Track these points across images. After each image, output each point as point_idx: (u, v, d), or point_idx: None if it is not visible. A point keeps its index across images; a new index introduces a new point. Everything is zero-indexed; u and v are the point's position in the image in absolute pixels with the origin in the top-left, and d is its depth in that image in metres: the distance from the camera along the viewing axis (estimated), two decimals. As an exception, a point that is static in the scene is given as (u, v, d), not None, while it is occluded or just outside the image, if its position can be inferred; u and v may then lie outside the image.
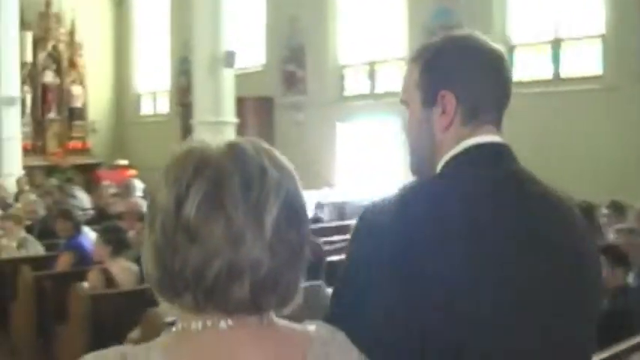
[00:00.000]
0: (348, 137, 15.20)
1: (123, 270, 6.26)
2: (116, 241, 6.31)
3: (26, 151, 19.27)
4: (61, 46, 21.22)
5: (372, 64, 15.24)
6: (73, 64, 21.43)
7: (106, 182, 13.90)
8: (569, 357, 1.58)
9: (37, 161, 19.93)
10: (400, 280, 1.45)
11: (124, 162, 20.40)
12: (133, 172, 18.07)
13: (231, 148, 1.24)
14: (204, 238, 1.17)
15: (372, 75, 15.25)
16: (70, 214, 7.69)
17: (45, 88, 21.05)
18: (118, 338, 5.32)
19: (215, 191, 1.18)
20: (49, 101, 21.05)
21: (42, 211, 10.39)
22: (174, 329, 1.24)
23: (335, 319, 1.42)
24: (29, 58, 20.36)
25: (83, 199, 12.99)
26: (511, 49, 12.55)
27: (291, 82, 16.07)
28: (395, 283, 1.45)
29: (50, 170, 19.60)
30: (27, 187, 14.24)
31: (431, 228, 1.47)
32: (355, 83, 15.57)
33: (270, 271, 1.19)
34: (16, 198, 12.74)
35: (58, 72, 21.32)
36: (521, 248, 1.51)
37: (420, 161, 1.73)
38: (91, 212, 11.30)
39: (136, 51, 22.73)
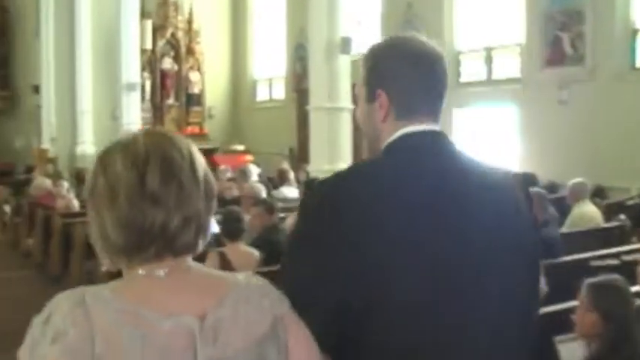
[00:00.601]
0: (464, 124, 15.12)
1: (241, 254, 6.46)
2: (233, 227, 6.52)
3: (145, 136, 20.02)
4: (180, 34, 21.90)
5: (488, 49, 15.12)
6: (190, 51, 22.08)
7: (222, 167, 14.28)
8: (496, 325, 1.82)
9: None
10: (332, 243, 1.75)
11: (240, 147, 20.86)
12: (249, 157, 18.47)
13: (156, 134, 1.67)
14: (166, 201, 1.57)
15: (488, 61, 15.12)
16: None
17: (164, 74, 21.78)
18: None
19: (166, 166, 1.58)
20: (167, 87, 21.77)
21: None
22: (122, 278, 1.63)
23: (283, 287, 1.72)
24: (149, 45, 21.14)
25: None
26: (634, 32, 12.28)
27: (407, 68, 16.11)
28: (328, 245, 1.76)
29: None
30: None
31: (361, 202, 1.77)
32: (471, 69, 15.46)
33: (204, 217, 1.64)
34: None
35: (177, 59, 22.02)
36: (440, 219, 1.80)
37: (370, 145, 2.05)
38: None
39: (252, 37, 23.14)
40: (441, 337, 1.77)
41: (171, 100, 21.86)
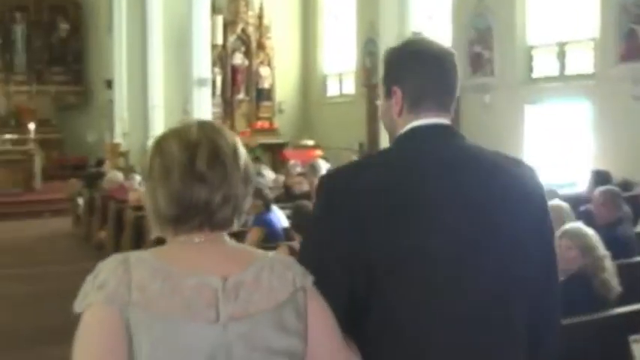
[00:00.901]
0: (536, 120, 15.01)
1: None
2: (303, 221, 6.63)
3: (216, 131, 20.36)
4: (250, 29, 22.16)
5: (561, 44, 14.97)
6: (261, 46, 22.34)
7: (292, 162, 14.43)
8: (497, 292, 2.06)
9: (226, 141, 20.98)
10: (341, 225, 2.03)
11: (310, 142, 21.03)
12: (318, 152, 18.63)
13: (207, 125, 1.96)
14: (211, 181, 1.86)
15: (561, 56, 14.97)
16: (260, 192, 8.14)
17: (234, 69, 22.08)
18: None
19: (213, 151, 1.88)
20: (238, 82, 22.06)
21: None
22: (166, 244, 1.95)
23: (301, 261, 2.00)
24: (219, 40, 21.45)
25: (270, 177, 13.62)
26: None
27: (478, 63, 16.06)
28: (341, 231, 2.03)
29: (238, 149, 20.53)
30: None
31: (368, 190, 2.03)
32: (544, 64, 15.33)
33: (241, 198, 1.93)
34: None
35: (247, 54, 22.30)
36: (448, 207, 2.03)
37: (390, 137, 2.30)
38: (277, 190, 11.83)
39: (322, 32, 23.28)
40: (448, 318, 2.01)
41: (241, 95, 22.16)
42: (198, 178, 1.85)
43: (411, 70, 2.18)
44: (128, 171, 15.35)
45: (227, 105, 21.82)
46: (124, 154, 19.97)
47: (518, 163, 2.22)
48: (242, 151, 1.96)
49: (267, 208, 8.03)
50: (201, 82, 18.71)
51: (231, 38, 21.96)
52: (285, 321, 1.85)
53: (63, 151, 24.70)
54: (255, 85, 22.29)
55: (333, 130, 21.11)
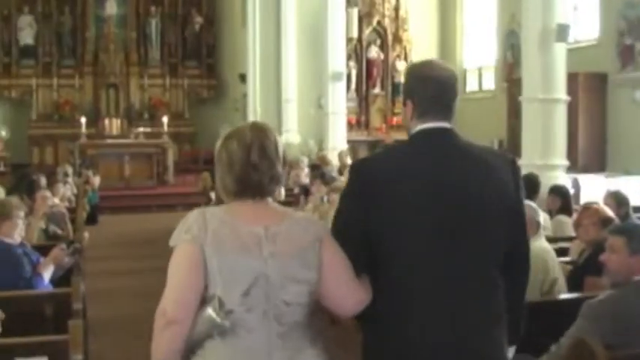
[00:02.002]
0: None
1: None
2: None
3: (350, 126, 20.59)
4: (386, 22, 22.29)
5: None
6: (397, 39, 22.42)
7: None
8: (476, 261, 2.90)
9: (360, 136, 21.22)
10: (361, 199, 2.90)
11: (447, 139, 20.87)
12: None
13: (257, 127, 2.89)
14: (261, 168, 2.80)
15: None
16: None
17: (369, 63, 22.27)
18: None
19: (261, 149, 2.81)
20: (373, 76, 22.23)
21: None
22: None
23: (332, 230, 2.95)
24: (355, 33, 21.67)
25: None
26: None
27: (628, 56, 15.60)
28: (358, 202, 2.91)
29: (374, 145, 20.73)
30: (349, 161, 15.15)
31: (382, 174, 2.92)
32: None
33: (281, 176, 2.89)
34: (340, 171, 13.65)
35: (383, 47, 22.44)
36: (440, 190, 2.86)
37: (407, 133, 3.14)
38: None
39: (461, 25, 23.15)
40: (437, 273, 2.84)
41: (377, 90, 22.30)
42: (253, 167, 2.81)
43: (418, 90, 3.03)
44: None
45: (362, 100, 22.02)
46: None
47: (497, 155, 3.20)
48: (280, 145, 2.91)
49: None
50: (336, 76, 18.91)
51: (367, 31, 22.15)
52: (306, 260, 2.80)
53: (195, 145, 25.52)
54: (391, 80, 22.40)
55: (472, 127, 20.88)
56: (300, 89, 21.43)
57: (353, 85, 21.87)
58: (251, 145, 2.81)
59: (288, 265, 2.76)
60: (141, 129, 22.97)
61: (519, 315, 3.15)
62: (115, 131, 24.27)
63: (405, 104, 3.09)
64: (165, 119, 22.11)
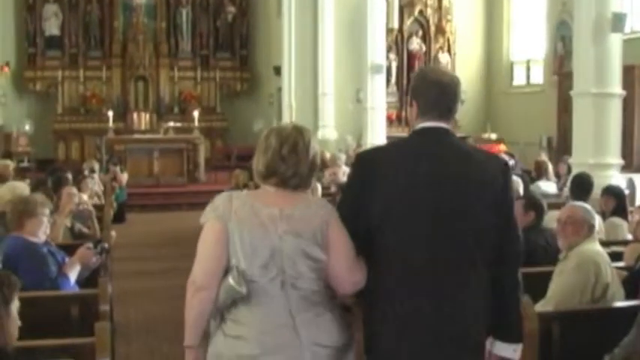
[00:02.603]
0: None
1: None
2: None
3: (390, 122, 20.54)
4: (428, 12, 22.25)
5: None
6: (440, 30, 22.36)
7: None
8: (458, 244, 3.41)
9: (400, 132, 21.11)
10: (362, 186, 3.46)
11: (493, 136, 20.85)
12: (502, 147, 18.45)
13: (296, 128, 3.49)
14: (288, 161, 3.39)
15: None
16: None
17: (411, 55, 22.24)
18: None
19: (293, 145, 3.41)
20: (414, 70, 22.08)
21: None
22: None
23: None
24: (395, 24, 21.62)
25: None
26: None
27: (689, 49, 15.40)
28: (358, 188, 3.49)
29: (414, 143, 20.61)
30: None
31: (382, 164, 3.50)
32: None
33: (306, 176, 3.46)
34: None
35: (425, 38, 22.40)
36: (431, 180, 3.39)
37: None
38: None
39: (508, 14, 23.00)
40: (427, 256, 3.38)
41: (418, 84, 22.19)
42: (281, 158, 3.43)
43: (422, 93, 3.58)
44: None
45: (402, 94, 21.95)
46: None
47: (489, 156, 3.71)
48: (313, 147, 3.49)
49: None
50: (375, 69, 18.86)
51: (408, 21, 22.12)
52: (316, 239, 3.39)
53: (227, 141, 25.59)
54: (433, 73, 22.24)
55: (519, 123, 20.86)
56: (338, 83, 21.41)
57: (393, 79, 21.84)
58: (286, 140, 3.43)
59: (299, 242, 3.37)
60: (171, 124, 23.02)
61: (517, 312, 3.66)
62: (143, 126, 24.42)
63: (411, 105, 3.68)
64: (196, 113, 22.16)
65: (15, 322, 3.97)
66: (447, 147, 3.53)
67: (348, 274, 3.44)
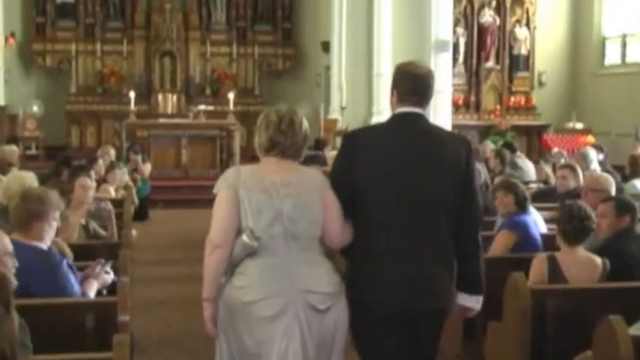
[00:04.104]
0: None
1: (579, 262, 6.47)
2: (574, 226, 6.48)
3: (457, 107, 20.47)
4: (505, -22, 22.09)
5: None
6: (517, 0, 22.17)
7: (555, 150, 14.27)
8: (424, 208, 4.75)
9: (469, 119, 21.13)
10: (347, 159, 4.85)
11: (579, 125, 20.68)
12: (589, 138, 18.31)
13: (289, 110, 4.84)
14: (287, 134, 4.73)
15: None
16: (514, 186, 8.06)
17: (482, 30, 22.17)
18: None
19: (290, 121, 4.75)
20: (486, 47, 22.16)
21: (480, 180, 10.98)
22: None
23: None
24: (464, -6, 21.52)
25: (528, 169, 13.54)
26: None
27: None
28: (345, 162, 4.86)
29: (485, 131, 20.59)
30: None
31: (364, 141, 4.89)
32: None
33: (300, 147, 4.84)
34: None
35: (499, 10, 22.27)
36: (404, 154, 4.74)
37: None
38: (537, 186, 11.70)
39: (600, -18, 22.77)
40: (399, 216, 4.71)
41: (490, 63, 22.16)
42: (281, 132, 4.67)
43: (400, 83, 4.86)
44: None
45: (471, 75, 21.90)
46: (342, 133, 20.31)
47: (455, 137, 5.27)
48: (304, 124, 4.79)
49: (522, 208, 7.97)
50: (440, 46, 18.74)
51: (476, -9, 22.03)
52: (312, 202, 4.65)
53: (267, 128, 25.53)
54: (508, 51, 22.25)
55: (611, 110, 20.67)
56: (396, 61, 20.97)
57: (461, 58, 21.83)
58: (283, 117, 4.74)
59: (298, 204, 4.64)
60: (202, 107, 22.99)
61: (476, 268, 4.94)
62: (170, 109, 24.56)
63: (392, 94, 4.93)
64: (231, 95, 22.12)
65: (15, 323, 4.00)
66: (420, 128, 4.85)
67: (340, 231, 4.78)
